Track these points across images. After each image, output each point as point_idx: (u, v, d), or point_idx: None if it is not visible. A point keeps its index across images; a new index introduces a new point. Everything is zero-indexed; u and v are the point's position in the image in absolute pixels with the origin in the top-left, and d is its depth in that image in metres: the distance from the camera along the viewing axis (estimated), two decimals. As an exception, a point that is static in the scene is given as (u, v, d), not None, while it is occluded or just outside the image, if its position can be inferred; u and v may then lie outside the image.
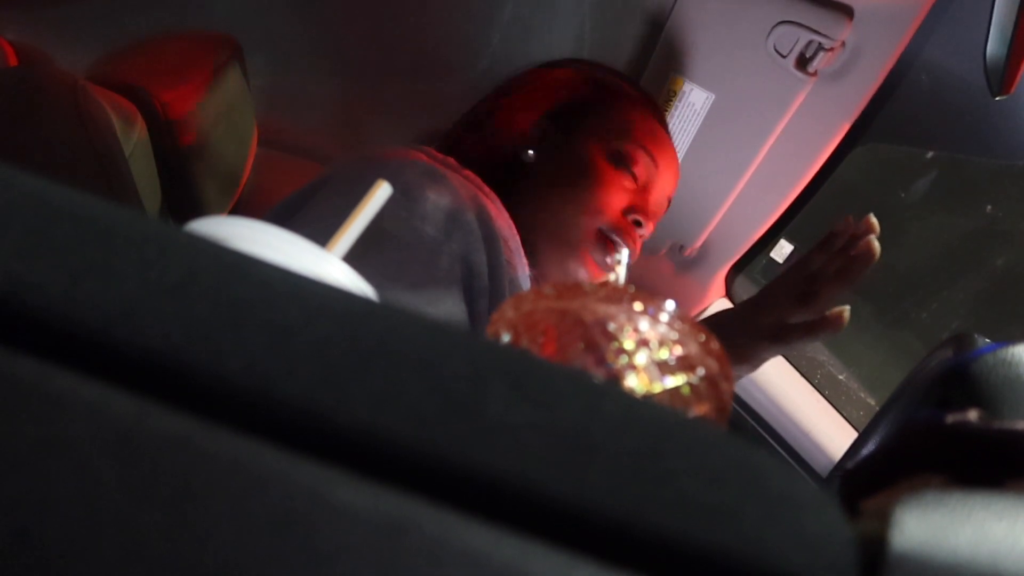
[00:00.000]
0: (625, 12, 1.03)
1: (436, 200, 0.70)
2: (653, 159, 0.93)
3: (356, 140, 1.22)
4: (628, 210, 0.90)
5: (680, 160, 1.13)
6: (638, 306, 0.33)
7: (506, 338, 0.35)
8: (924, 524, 0.19)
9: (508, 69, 1.03)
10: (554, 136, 0.92)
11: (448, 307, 0.67)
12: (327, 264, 0.30)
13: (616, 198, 0.89)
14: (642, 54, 1.07)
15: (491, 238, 0.73)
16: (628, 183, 0.91)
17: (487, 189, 0.81)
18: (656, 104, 1.02)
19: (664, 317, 0.33)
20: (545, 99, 0.95)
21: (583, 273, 0.88)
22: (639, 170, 0.92)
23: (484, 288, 0.71)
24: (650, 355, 0.33)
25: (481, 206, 0.75)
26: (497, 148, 0.92)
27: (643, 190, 0.93)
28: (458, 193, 0.73)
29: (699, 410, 0.34)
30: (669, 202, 0.99)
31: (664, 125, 1.00)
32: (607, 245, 0.87)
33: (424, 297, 0.66)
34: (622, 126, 0.93)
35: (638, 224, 0.90)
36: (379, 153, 0.78)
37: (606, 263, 0.87)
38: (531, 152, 0.91)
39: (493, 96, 1.00)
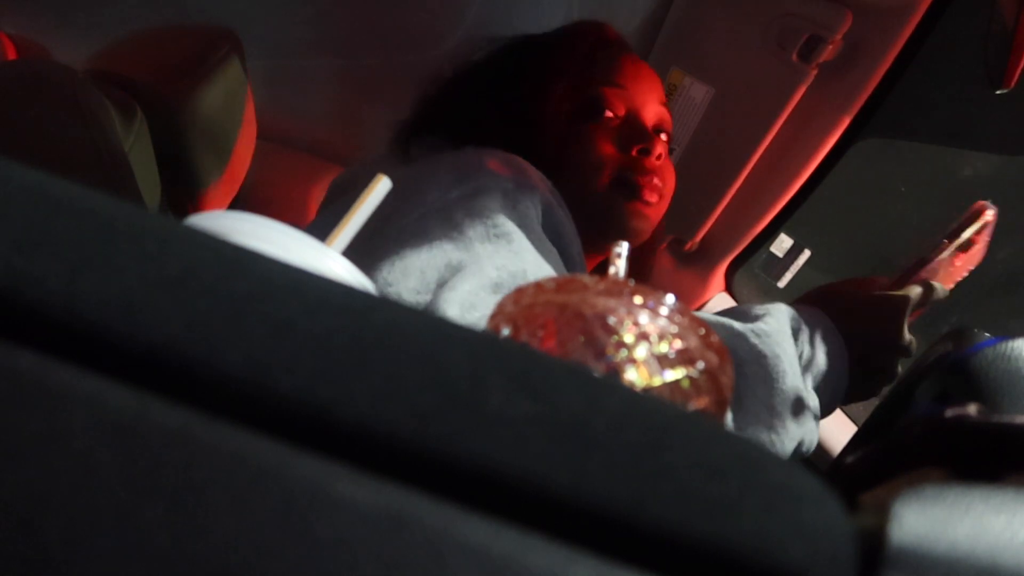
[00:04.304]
0: (623, 5, 1.03)
1: (511, 172, 0.71)
2: (622, 87, 0.88)
3: (356, 131, 1.22)
4: (626, 145, 0.86)
5: (680, 155, 1.12)
6: (638, 300, 0.33)
7: (506, 332, 0.35)
8: (923, 518, 0.19)
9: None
10: (532, 114, 0.88)
11: (540, 250, 0.66)
12: (327, 259, 0.30)
13: (609, 144, 0.86)
14: (641, 48, 1.07)
15: (568, 216, 0.75)
16: (612, 123, 0.88)
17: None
18: (595, 28, 0.95)
19: (664, 311, 0.33)
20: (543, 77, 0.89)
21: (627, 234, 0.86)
22: (616, 106, 0.88)
23: (578, 255, 0.72)
24: (650, 349, 0.33)
25: (555, 192, 0.76)
26: (514, 134, 0.86)
27: (630, 119, 0.89)
28: (535, 175, 0.74)
29: (699, 403, 0.34)
30: (665, 105, 0.94)
31: (614, 43, 0.94)
32: (632, 189, 0.85)
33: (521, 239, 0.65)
34: (580, 77, 0.88)
35: (646, 152, 0.85)
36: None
37: (640, 200, 0.84)
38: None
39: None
